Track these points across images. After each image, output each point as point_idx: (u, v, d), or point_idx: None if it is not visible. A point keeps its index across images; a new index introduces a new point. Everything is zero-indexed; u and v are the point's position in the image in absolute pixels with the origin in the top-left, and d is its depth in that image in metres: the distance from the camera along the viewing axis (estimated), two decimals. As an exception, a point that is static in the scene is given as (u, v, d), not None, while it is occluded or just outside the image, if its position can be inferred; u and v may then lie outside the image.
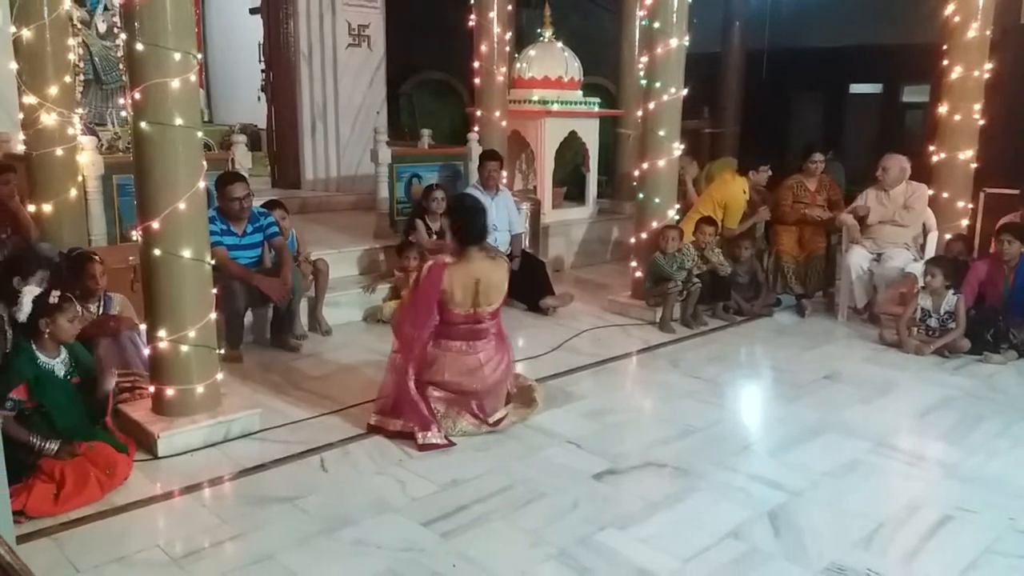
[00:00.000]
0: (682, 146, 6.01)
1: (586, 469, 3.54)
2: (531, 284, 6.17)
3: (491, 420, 3.90)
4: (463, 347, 3.92)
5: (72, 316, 3.33)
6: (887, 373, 4.91)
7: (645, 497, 3.30)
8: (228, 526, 3.05)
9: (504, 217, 6.36)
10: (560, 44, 7.91)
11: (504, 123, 7.22)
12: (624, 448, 3.78)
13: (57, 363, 3.33)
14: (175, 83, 3.42)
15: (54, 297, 3.29)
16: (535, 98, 7.59)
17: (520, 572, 2.75)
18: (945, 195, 6.10)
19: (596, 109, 7.97)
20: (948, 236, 5.93)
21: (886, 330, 5.57)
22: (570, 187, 8.41)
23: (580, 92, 7.93)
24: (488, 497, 3.27)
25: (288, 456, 3.62)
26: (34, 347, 3.28)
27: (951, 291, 5.29)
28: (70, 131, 4.74)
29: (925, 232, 6.04)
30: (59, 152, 4.68)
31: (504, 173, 6.62)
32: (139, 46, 3.39)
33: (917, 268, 5.60)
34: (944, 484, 3.52)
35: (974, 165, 6.12)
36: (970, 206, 6.27)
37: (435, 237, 5.86)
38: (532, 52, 7.85)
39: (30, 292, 3.33)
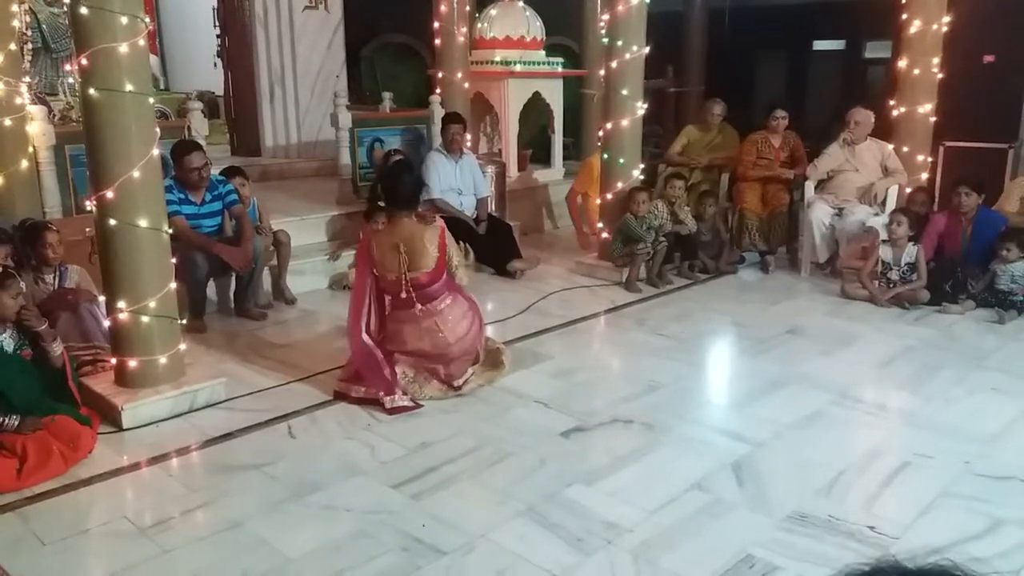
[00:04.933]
0: (645, 105, 5.99)
1: (553, 427, 3.57)
2: (498, 248, 6.16)
3: (456, 384, 3.92)
4: (415, 313, 3.90)
5: (16, 293, 3.24)
6: (849, 326, 4.99)
7: (611, 452, 3.34)
8: (196, 495, 3.04)
9: (469, 180, 6.32)
10: (521, 3, 7.81)
11: (466, 85, 7.14)
12: (591, 406, 3.82)
13: (5, 337, 3.26)
14: (123, 48, 3.33)
15: None
16: (497, 59, 7.51)
17: (489, 529, 2.78)
18: (905, 149, 6.15)
19: (560, 69, 7.91)
20: (909, 189, 6.00)
21: (848, 284, 5.65)
22: (536, 149, 8.37)
23: (543, 52, 7.85)
24: (457, 458, 3.29)
25: (255, 424, 3.61)
26: None
27: (911, 243, 5.37)
28: (18, 100, 4.61)
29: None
30: (7, 122, 4.56)
31: (468, 136, 6.56)
32: (83, 9, 3.28)
33: (878, 222, 5.67)
34: (903, 431, 3.61)
35: (933, 119, 6.18)
36: (930, 160, 6.34)
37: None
38: (493, 12, 7.74)
39: None
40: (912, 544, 2.69)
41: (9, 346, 3.27)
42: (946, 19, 5.99)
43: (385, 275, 3.88)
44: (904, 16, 6.07)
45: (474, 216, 6.26)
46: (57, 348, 3.35)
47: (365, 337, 3.86)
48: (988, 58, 7.11)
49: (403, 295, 3.87)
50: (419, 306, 3.90)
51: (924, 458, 3.30)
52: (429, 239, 3.90)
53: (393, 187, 3.99)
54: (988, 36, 7.01)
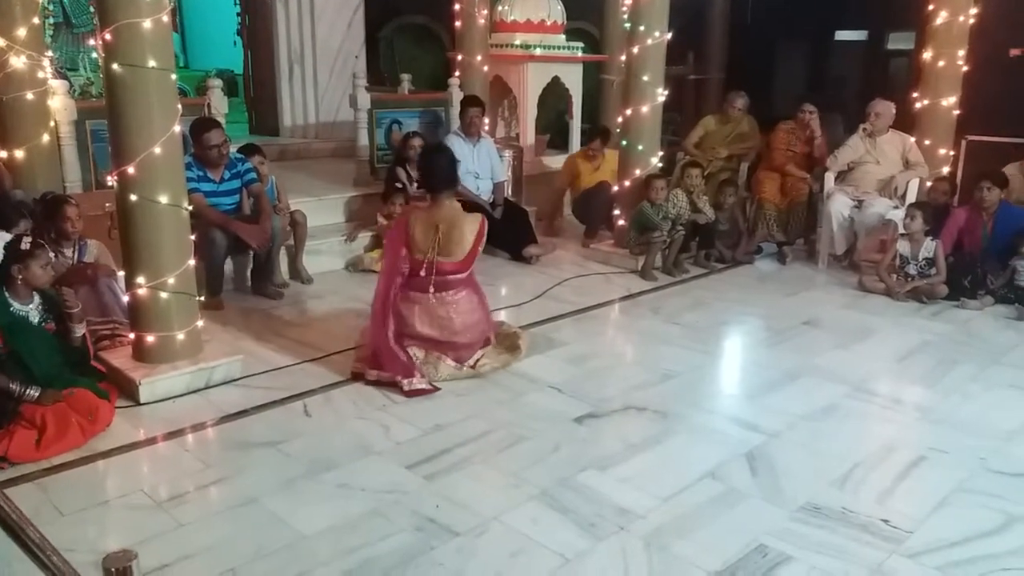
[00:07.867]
0: (666, 92, 5.94)
1: (567, 413, 3.57)
2: (514, 233, 6.15)
3: (468, 364, 3.93)
4: (429, 298, 3.89)
5: (45, 262, 3.28)
6: (866, 319, 4.96)
7: (625, 439, 3.35)
8: (212, 470, 3.07)
9: (486, 165, 6.31)
10: (543, -14, 7.75)
11: (486, 68, 7.10)
12: (605, 392, 3.82)
13: (31, 309, 3.30)
14: (147, 23, 3.33)
15: (25, 243, 3.24)
16: (517, 42, 7.47)
17: (502, 512, 2.79)
18: (927, 142, 6.08)
19: (579, 54, 7.86)
20: (929, 183, 5.93)
21: (866, 277, 5.61)
22: (553, 135, 8.34)
23: (563, 36, 7.81)
24: (471, 441, 3.30)
25: (271, 402, 3.63)
26: (6, 294, 3.24)
27: (929, 237, 5.33)
28: (40, 75, 4.62)
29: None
30: (29, 96, 4.56)
31: (486, 120, 6.54)
32: (108, -16, 3.29)
33: (897, 215, 5.63)
34: (918, 426, 3.59)
35: (956, 112, 6.10)
36: (952, 153, 6.27)
37: (415, 186, 5.81)
38: (514, -6, 7.69)
39: (0, 239, 3.28)
40: (926, 539, 2.68)
41: (34, 318, 3.30)
42: (973, 11, 5.91)
43: (415, 255, 3.86)
44: (930, 7, 6.00)
45: (490, 200, 6.25)
46: (79, 330, 3.39)
47: (390, 331, 3.83)
48: (1015, 51, 7.01)
49: (422, 274, 3.86)
50: (433, 291, 3.89)
51: (939, 453, 3.28)
52: (469, 229, 3.92)
53: (432, 170, 3.98)
54: (1015, 29, 6.91)
